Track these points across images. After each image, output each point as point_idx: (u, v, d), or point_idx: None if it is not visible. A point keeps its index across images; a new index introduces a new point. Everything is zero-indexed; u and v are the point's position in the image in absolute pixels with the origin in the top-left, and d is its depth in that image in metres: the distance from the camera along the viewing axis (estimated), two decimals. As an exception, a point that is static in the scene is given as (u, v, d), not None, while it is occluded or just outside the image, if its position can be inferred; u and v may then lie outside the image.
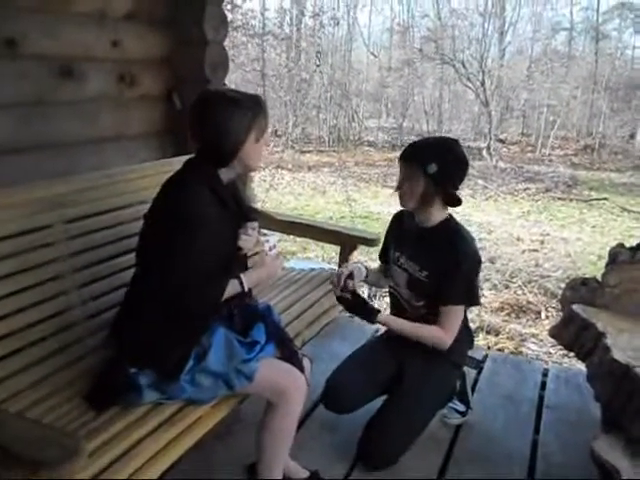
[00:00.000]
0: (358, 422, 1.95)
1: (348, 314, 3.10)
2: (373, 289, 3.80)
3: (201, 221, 1.40)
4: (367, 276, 2.03)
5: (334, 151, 10.74)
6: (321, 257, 5.12)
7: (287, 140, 9.70)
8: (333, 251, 4.84)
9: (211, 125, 1.43)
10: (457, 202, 1.81)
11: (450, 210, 1.88)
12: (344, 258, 2.58)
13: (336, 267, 2.63)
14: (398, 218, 2.05)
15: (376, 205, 7.41)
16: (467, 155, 1.84)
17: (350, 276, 1.89)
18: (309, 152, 11.07)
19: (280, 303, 2.18)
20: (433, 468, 1.93)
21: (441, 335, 1.85)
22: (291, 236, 4.75)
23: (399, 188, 1.83)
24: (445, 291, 1.81)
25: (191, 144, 1.52)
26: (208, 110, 1.44)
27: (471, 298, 1.87)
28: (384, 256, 2.09)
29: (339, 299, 1.87)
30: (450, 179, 1.78)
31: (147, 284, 1.47)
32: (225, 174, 1.52)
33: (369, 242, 2.52)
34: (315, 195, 8.16)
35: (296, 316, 2.10)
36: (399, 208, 1.96)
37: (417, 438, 1.92)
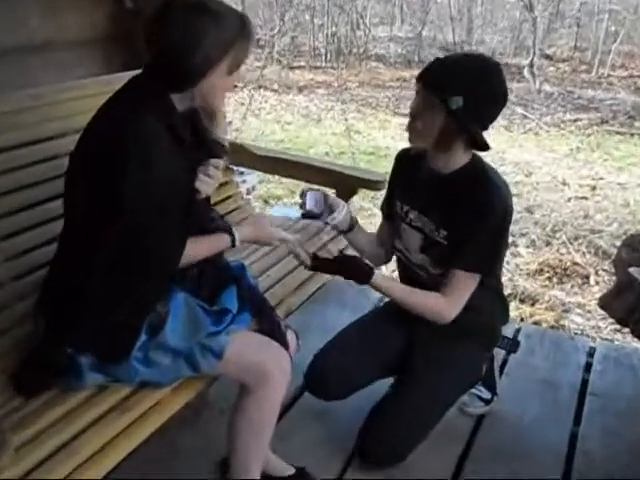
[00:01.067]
0: (356, 409, 1.98)
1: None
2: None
3: (149, 154, 1.37)
4: (351, 228, 1.96)
5: (332, 67, 10.54)
6: (314, 203, 5.11)
7: (271, 52, 9.50)
8: (329, 196, 4.82)
9: (175, 34, 1.38)
10: (483, 147, 1.76)
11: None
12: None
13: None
14: (404, 160, 1.99)
15: (385, 138, 7.34)
16: (507, 84, 1.75)
17: (325, 200, 1.84)
18: (300, 68, 10.87)
19: (257, 263, 2.18)
20: (447, 467, 1.98)
21: (441, 305, 1.82)
22: (276, 176, 4.72)
23: (411, 119, 1.77)
24: (458, 250, 1.78)
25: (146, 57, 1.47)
26: (175, 15, 1.39)
27: (488, 265, 1.83)
28: (388, 209, 2.05)
29: (314, 257, 1.77)
30: (479, 118, 1.71)
31: (81, 237, 1.45)
32: (179, 101, 1.48)
33: (372, 184, 2.49)
34: (307, 124, 8.07)
35: (279, 279, 2.10)
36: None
37: (431, 431, 1.96)
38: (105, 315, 1.46)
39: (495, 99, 1.73)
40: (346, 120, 6.20)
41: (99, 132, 1.44)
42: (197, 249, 1.54)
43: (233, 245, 1.62)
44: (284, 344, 1.64)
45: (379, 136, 7.49)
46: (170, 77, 1.43)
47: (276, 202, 5.09)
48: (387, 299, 2.05)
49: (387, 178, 2.22)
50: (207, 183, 1.56)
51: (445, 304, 1.82)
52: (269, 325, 1.65)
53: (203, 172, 1.55)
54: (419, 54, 11.53)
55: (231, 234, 1.60)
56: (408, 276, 1.97)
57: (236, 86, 1.60)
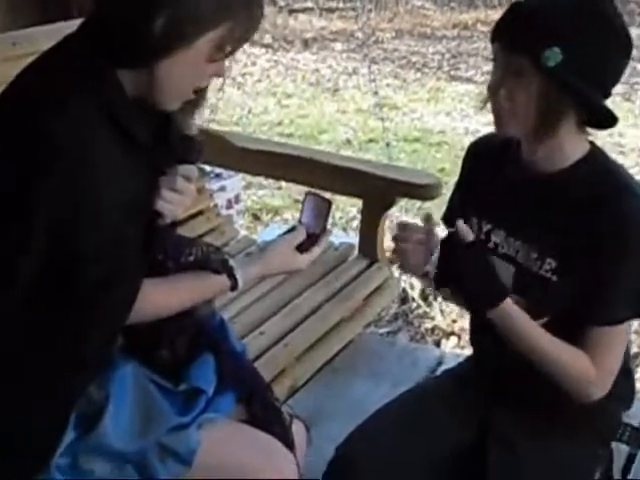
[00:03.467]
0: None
1: (382, 330, 3.06)
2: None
3: (83, 159, 1.38)
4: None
5: (353, 10, 10.64)
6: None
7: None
8: (351, 207, 4.83)
9: None
10: (608, 119, 1.77)
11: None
12: (371, 222, 2.58)
13: (355, 240, 2.63)
14: (481, 154, 2.01)
15: (437, 116, 7.42)
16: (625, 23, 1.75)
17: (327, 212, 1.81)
18: (305, 12, 11.01)
19: (244, 315, 2.21)
20: None
21: (591, 373, 1.80)
22: (270, 180, 4.74)
23: (495, 98, 1.77)
24: (596, 298, 1.78)
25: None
26: None
27: None
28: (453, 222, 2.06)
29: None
30: (590, 74, 1.71)
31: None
32: (130, 83, 1.49)
33: (418, 191, 2.51)
34: (318, 97, 8.14)
35: (278, 338, 2.12)
36: (484, 126, 1.91)
37: None
38: (12, 402, 1.46)
39: (611, 44, 1.73)
40: (376, 90, 6.22)
41: (9, 122, 1.45)
42: (173, 296, 1.57)
43: (234, 288, 1.62)
44: (286, 441, 1.65)
45: (427, 113, 7.54)
46: (122, 42, 1.44)
47: (271, 218, 5.12)
48: (443, 368, 2.04)
49: (441, 180, 2.23)
50: (174, 202, 1.57)
51: (594, 373, 1.80)
52: (263, 412, 1.66)
53: (168, 186, 1.56)
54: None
55: (229, 272, 1.60)
56: (484, 324, 1.96)
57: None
